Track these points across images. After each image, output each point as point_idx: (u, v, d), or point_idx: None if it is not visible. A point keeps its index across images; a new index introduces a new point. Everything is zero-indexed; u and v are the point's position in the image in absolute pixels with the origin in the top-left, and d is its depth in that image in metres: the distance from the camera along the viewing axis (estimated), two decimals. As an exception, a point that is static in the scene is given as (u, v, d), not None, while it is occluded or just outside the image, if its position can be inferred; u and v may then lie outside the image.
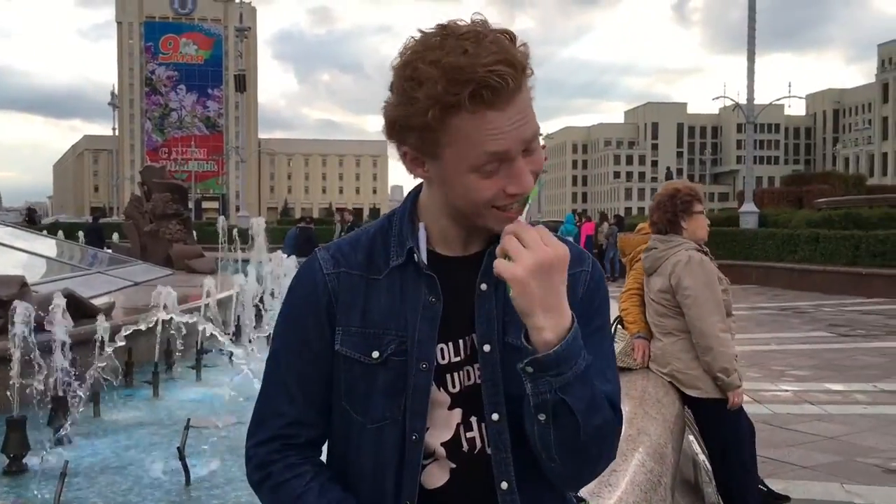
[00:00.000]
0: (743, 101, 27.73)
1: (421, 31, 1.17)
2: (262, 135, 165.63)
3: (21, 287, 5.69)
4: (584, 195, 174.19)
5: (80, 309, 5.86)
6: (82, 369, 4.93)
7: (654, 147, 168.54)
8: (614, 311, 4.48)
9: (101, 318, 5.55)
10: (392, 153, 1.25)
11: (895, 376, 8.39)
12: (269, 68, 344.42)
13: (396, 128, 1.18)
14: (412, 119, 1.14)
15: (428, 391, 1.24)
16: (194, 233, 16.02)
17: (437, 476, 1.27)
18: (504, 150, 1.14)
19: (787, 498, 4.52)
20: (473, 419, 1.27)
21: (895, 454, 5.52)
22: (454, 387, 1.27)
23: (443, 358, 1.26)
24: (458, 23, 1.15)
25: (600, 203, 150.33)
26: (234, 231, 20.48)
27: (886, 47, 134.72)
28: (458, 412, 1.27)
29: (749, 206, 23.92)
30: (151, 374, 6.09)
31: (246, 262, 14.00)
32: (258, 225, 15.89)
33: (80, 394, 4.80)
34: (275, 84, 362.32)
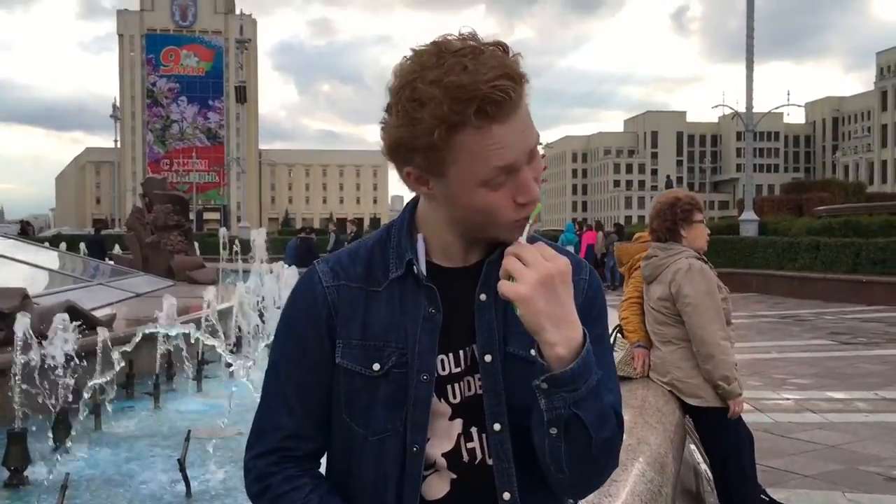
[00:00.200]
0: (742, 109, 27.77)
1: (413, 50, 1.16)
2: (262, 146, 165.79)
3: (23, 299, 5.70)
4: (585, 204, 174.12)
5: (81, 321, 5.86)
6: (84, 381, 4.93)
7: (654, 156, 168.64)
8: (614, 320, 4.48)
9: (102, 329, 5.56)
10: (393, 170, 1.25)
11: (897, 384, 8.37)
12: (269, 80, 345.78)
13: (401, 150, 1.18)
14: (417, 140, 1.14)
15: (429, 403, 1.25)
16: (196, 244, 16.04)
17: (438, 487, 1.27)
18: (511, 161, 1.15)
19: (789, 507, 4.51)
20: (474, 430, 1.27)
21: (897, 462, 5.50)
22: (455, 397, 1.27)
23: (443, 369, 1.27)
24: (450, 38, 1.15)
25: (601, 212, 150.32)
26: (236, 242, 20.49)
27: (885, 55, 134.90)
28: (458, 423, 1.27)
29: (749, 215, 23.92)
30: (152, 385, 6.10)
31: (247, 272, 14.01)
32: (259, 236, 15.92)
33: (82, 405, 4.80)
34: (275, 95, 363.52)
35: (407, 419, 1.25)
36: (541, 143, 1.24)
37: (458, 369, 1.27)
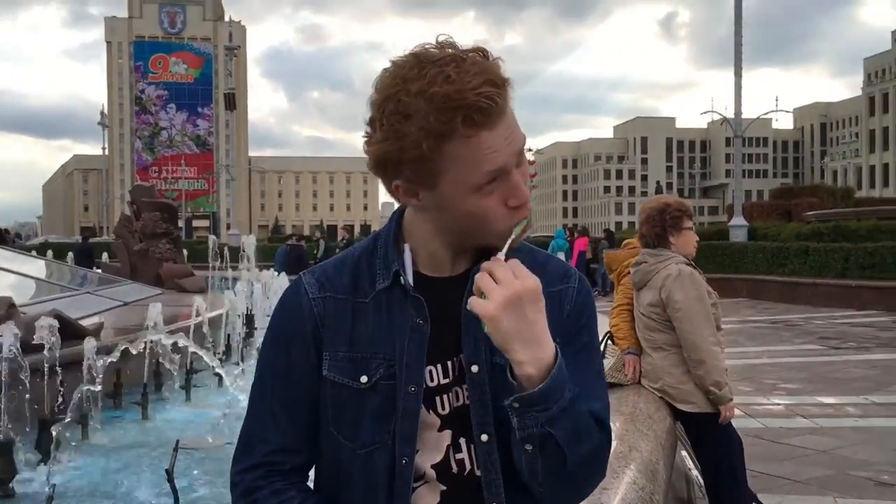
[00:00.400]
0: (731, 115, 27.91)
1: (392, 62, 1.15)
2: (252, 153, 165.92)
3: (9, 308, 5.65)
4: (575, 210, 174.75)
5: (68, 330, 5.81)
6: (70, 391, 4.88)
7: (644, 161, 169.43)
8: (604, 327, 4.47)
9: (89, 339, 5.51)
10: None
11: (886, 389, 8.40)
12: (259, 86, 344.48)
13: (388, 164, 1.17)
14: (405, 153, 1.13)
15: (417, 414, 1.24)
16: (184, 252, 15.96)
17: (427, 499, 1.26)
18: (501, 165, 1.14)
19: (780, 513, 4.51)
20: (463, 441, 1.26)
21: (887, 467, 5.52)
22: (443, 409, 1.26)
23: (431, 380, 1.26)
24: (427, 47, 1.14)
25: (591, 218, 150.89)
26: (225, 249, 20.42)
27: (872, 60, 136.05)
28: (447, 434, 1.26)
29: (738, 220, 24.03)
30: (140, 395, 6.04)
31: (236, 280, 13.96)
32: (249, 243, 15.87)
33: (69, 415, 4.76)
34: (265, 102, 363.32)
35: (395, 431, 1.23)
36: (530, 150, 1.24)
37: (447, 380, 1.26)
